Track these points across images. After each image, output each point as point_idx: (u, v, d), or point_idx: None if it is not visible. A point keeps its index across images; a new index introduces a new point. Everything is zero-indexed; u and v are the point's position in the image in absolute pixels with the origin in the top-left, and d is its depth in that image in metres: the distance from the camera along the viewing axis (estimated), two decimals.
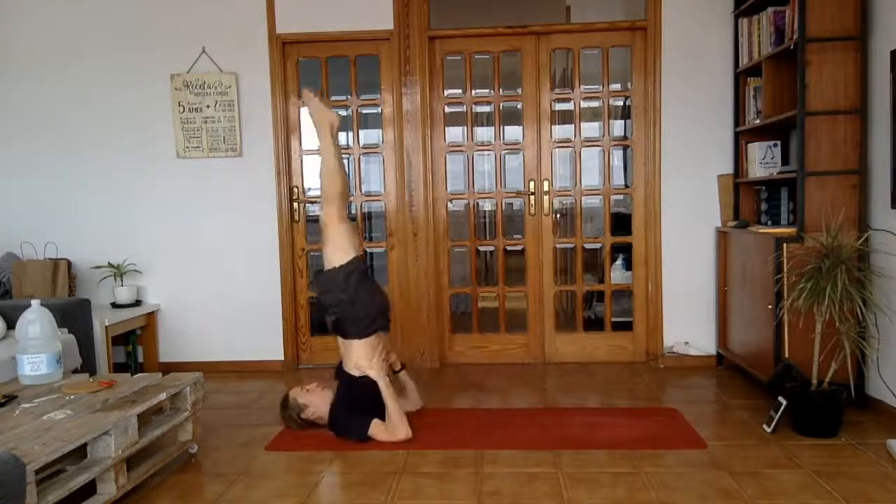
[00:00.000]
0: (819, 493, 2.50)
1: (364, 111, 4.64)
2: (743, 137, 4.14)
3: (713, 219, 4.32)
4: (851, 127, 3.37)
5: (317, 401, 3.27)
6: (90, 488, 2.37)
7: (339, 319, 3.24)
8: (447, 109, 4.54)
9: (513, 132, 4.54)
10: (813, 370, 3.08)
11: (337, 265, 3.23)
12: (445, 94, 4.52)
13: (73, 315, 3.65)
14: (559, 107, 4.53)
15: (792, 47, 3.44)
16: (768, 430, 3.10)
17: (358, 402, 3.20)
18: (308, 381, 3.40)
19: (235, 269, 4.56)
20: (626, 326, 4.55)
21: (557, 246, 4.56)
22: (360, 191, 4.64)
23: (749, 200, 4.18)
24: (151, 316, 4.56)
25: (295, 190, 4.55)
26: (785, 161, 3.97)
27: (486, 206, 4.73)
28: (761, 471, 2.71)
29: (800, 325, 3.19)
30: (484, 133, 4.64)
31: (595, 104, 4.50)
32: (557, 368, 4.41)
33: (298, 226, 4.58)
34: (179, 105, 4.48)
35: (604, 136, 4.48)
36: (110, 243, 4.57)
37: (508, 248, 4.61)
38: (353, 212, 4.69)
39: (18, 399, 2.69)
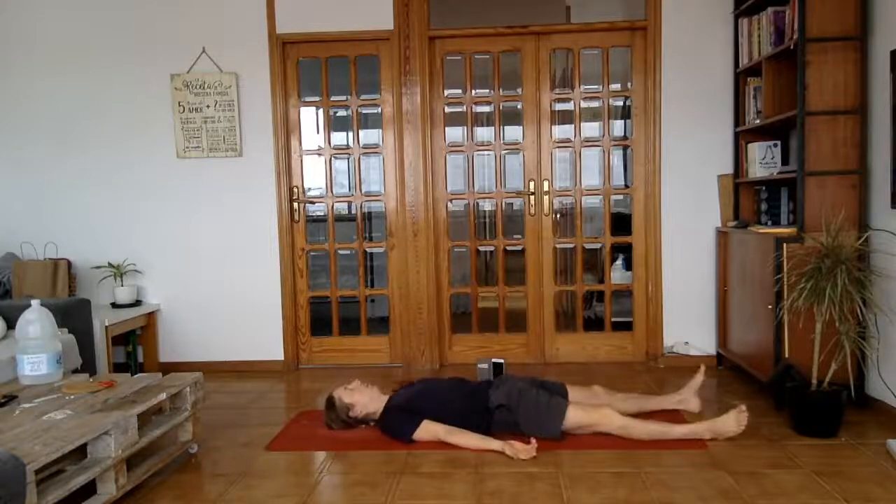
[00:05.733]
0: (819, 493, 2.50)
1: (364, 111, 4.64)
2: (743, 137, 4.14)
3: (713, 219, 4.32)
4: (851, 127, 3.36)
5: (363, 399, 3.22)
6: (90, 488, 2.37)
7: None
8: (447, 109, 4.54)
9: (513, 132, 4.54)
10: (813, 370, 3.08)
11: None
12: (445, 94, 4.52)
13: (73, 315, 3.65)
14: (559, 107, 4.53)
15: (792, 47, 3.44)
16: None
17: (420, 400, 3.18)
18: (348, 380, 3.33)
19: (235, 269, 4.55)
20: (626, 326, 4.55)
21: (557, 246, 4.56)
22: (360, 191, 4.64)
23: (749, 200, 4.18)
24: (151, 316, 4.56)
25: (295, 190, 4.55)
26: (785, 161, 3.96)
27: (486, 206, 4.73)
28: (761, 471, 2.71)
29: (800, 325, 3.19)
30: (484, 133, 4.64)
31: (595, 104, 4.50)
32: (557, 368, 4.40)
33: (298, 226, 4.58)
34: (179, 105, 4.48)
35: (604, 136, 4.48)
36: (110, 243, 4.57)
37: (508, 248, 4.60)
38: (353, 212, 4.70)
39: (18, 399, 2.69)
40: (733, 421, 2.99)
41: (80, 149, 4.57)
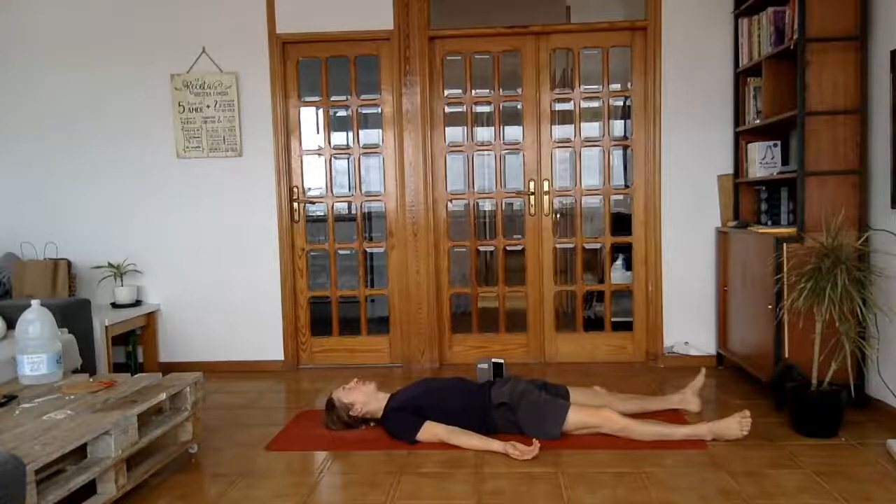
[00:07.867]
0: (819, 493, 2.50)
1: (364, 111, 4.64)
2: (743, 137, 4.14)
3: (713, 219, 4.32)
4: (851, 127, 3.36)
5: (362, 397, 3.22)
6: (90, 488, 2.37)
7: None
8: (447, 109, 4.54)
9: (513, 132, 4.54)
10: (813, 370, 3.08)
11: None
12: (445, 94, 4.52)
13: (73, 315, 3.65)
14: (559, 107, 4.53)
15: (792, 47, 3.44)
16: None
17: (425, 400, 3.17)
18: (346, 381, 3.33)
19: (235, 270, 4.55)
20: (626, 326, 4.55)
21: (557, 246, 4.56)
22: (360, 191, 4.64)
23: (749, 200, 4.18)
24: (151, 316, 4.56)
25: (295, 190, 4.55)
26: (785, 161, 3.96)
27: (486, 206, 4.73)
28: (761, 471, 2.71)
29: (800, 325, 3.19)
30: (484, 133, 4.64)
31: (595, 104, 4.50)
32: (557, 368, 4.40)
33: (298, 226, 4.58)
34: (179, 105, 4.48)
35: (604, 136, 4.48)
36: (110, 243, 4.56)
37: (508, 248, 4.60)
38: (354, 212, 4.70)
39: (18, 399, 2.69)
40: (736, 425, 2.98)
41: (80, 148, 4.57)
